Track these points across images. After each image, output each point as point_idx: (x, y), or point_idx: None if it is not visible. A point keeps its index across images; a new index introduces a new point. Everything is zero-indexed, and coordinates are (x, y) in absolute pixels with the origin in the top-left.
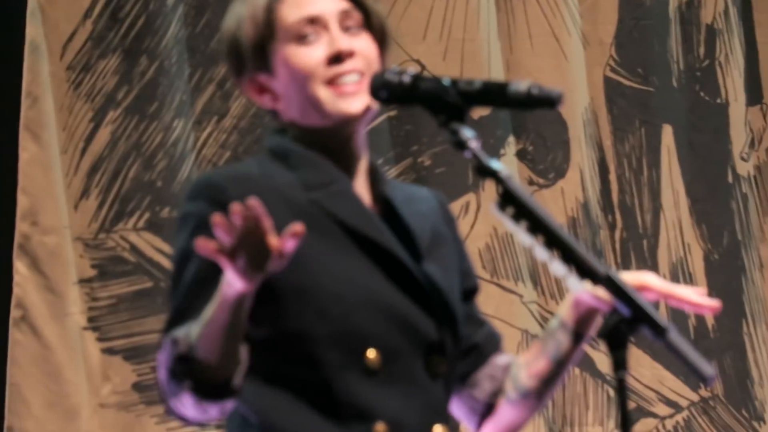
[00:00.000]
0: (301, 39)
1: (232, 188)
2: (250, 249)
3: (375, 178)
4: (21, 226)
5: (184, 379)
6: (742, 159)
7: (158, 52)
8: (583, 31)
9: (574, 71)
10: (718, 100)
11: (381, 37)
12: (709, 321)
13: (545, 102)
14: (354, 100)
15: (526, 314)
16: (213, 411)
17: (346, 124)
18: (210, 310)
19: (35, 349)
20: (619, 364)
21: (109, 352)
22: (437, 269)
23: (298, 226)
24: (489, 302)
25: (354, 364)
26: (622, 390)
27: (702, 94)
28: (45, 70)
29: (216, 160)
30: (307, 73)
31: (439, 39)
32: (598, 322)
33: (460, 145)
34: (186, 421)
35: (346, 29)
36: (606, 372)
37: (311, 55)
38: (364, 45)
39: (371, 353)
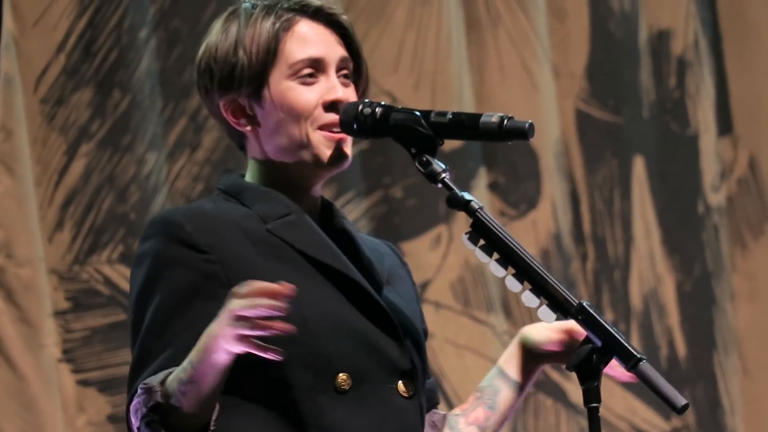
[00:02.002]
0: (301, 78)
1: (189, 223)
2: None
3: (331, 215)
4: None
5: (160, 429)
6: (713, 190)
7: (131, 85)
8: (553, 63)
9: (545, 103)
10: (689, 132)
11: (365, 87)
12: (681, 351)
13: (517, 134)
14: (344, 148)
15: (498, 345)
16: None
17: (322, 167)
18: (192, 369)
19: (10, 381)
20: (591, 394)
21: (83, 383)
22: (397, 297)
23: (290, 286)
24: (461, 333)
25: (324, 386)
26: (594, 421)
27: (673, 125)
28: (19, 103)
29: (189, 192)
30: (303, 114)
31: (410, 71)
32: (538, 375)
33: (432, 177)
34: None
35: (341, 76)
36: (578, 403)
37: (309, 96)
38: (351, 96)
39: (341, 375)
